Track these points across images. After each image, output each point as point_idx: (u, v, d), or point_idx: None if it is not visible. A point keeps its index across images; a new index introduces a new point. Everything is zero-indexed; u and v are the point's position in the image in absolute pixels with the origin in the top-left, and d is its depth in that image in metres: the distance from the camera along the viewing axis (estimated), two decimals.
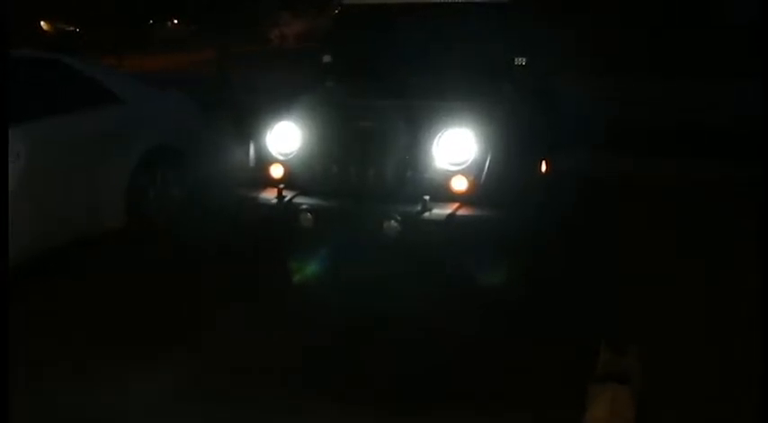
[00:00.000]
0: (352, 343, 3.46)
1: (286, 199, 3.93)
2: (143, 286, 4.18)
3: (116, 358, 3.35)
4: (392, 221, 3.66)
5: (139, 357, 3.36)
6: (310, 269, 4.10)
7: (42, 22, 24.05)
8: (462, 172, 3.77)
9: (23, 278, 3.98)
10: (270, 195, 3.99)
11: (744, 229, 4.56)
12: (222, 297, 4.00)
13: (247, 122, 4.73)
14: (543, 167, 4.59)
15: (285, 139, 4.13)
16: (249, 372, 3.23)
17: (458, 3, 4.84)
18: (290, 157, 4.10)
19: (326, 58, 4.97)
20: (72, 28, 25.13)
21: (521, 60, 4.50)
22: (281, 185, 3.98)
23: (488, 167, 3.77)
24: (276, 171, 4.11)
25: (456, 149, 3.80)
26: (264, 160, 4.17)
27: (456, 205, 3.71)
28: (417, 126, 3.89)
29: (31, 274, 4.10)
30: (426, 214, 3.67)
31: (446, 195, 3.75)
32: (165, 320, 3.76)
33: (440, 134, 3.82)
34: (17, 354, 3.03)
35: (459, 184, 3.77)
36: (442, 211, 3.68)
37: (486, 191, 3.75)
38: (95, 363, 3.31)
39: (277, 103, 4.37)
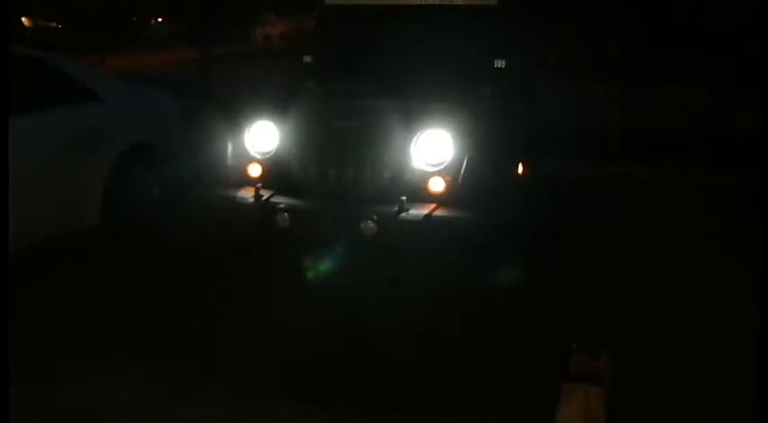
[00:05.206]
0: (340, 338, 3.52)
1: (263, 198, 3.92)
2: (142, 280, 4.19)
3: (116, 357, 3.35)
4: (369, 222, 3.67)
5: (139, 356, 3.35)
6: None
7: (23, 19, 23.81)
8: (439, 173, 3.79)
9: (23, 272, 3.93)
10: (247, 194, 3.98)
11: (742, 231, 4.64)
12: (220, 298, 4.00)
13: (227, 121, 4.70)
14: (520, 169, 4.61)
15: (263, 138, 4.12)
16: (248, 371, 3.24)
17: (439, 5, 4.85)
18: (268, 156, 4.09)
19: (307, 59, 4.97)
20: (54, 24, 24.92)
21: (500, 63, 4.53)
22: (259, 185, 3.97)
23: (465, 169, 3.79)
24: (254, 170, 4.10)
25: (433, 150, 3.81)
26: (242, 159, 4.16)
27: (433, 206, 3.72)
28: (395, 127, 3.90)
29: (31, 268, 4.07)
30: (403, 215, 3.68)
31: (423, 196, 3.76)
32: (165, 317, 3.76)
33: (417, 135, 3.83)
34: (17, 353, 2.99)
35: (437, 185, 3.78)
36: (418, 211, 3.69)
37: (462, 192, 3.77)
38: (95, 362, 3.30)
39: (256, 102, 4.36)
